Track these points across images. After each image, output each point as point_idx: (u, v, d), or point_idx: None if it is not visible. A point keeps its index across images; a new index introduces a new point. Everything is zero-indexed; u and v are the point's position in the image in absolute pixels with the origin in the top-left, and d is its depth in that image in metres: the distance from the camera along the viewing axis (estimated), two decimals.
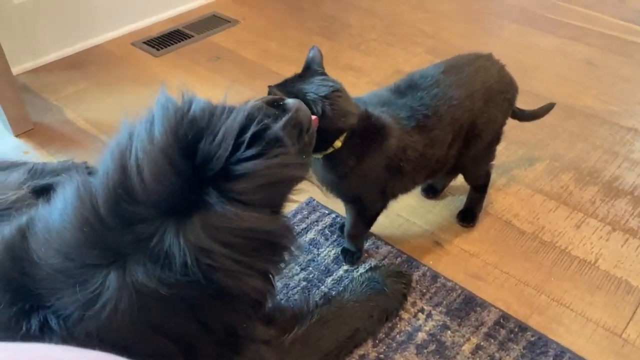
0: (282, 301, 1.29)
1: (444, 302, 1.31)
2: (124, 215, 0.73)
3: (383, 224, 1.53)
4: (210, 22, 2.57)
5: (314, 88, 1.07)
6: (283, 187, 0.86)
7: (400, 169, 1.20)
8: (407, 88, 1.24)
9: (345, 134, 1.12)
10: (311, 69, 1.14)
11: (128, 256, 0.72)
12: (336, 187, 1.23)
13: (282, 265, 0.86)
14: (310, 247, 1.44)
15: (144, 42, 2.40)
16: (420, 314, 1.28)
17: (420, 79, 1.25)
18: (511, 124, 1.44)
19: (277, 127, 0.83)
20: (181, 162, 0.75)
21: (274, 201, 0.84)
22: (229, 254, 0.74)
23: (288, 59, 2.30)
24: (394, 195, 1.31)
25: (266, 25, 2.57)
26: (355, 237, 1.38)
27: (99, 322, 0.70)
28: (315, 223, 1.51)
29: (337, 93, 1.08)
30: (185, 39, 2.44)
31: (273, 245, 0.81)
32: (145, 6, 2.51)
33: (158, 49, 2.35)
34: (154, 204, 0.73)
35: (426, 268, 1.40)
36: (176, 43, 2.40)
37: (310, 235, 1.47)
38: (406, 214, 1.57)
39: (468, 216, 1.53)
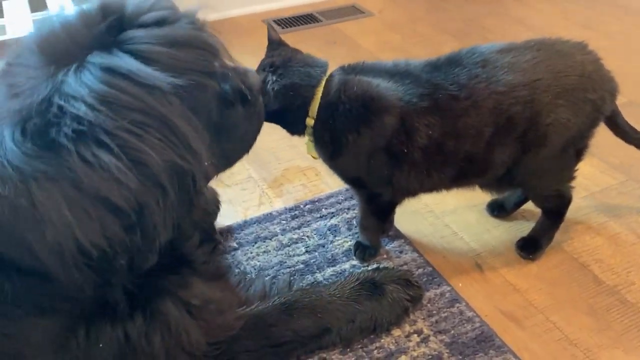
0: (267, 277, 1.15)
1: (452, 332, 1.05)
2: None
3: (424, 230, 1.31)
4: (345, 12, 2.52)
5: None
6: (191, 52, 0.71)
7: (406, 157, 0.99)
8: (446, 62, 1.02)
9: (315, 109, 0.99)
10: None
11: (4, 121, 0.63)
12: (332, 168, 1.08)
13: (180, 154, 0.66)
14: (328, 232, 1.28)
15: (274, 20, 2.43)
16: (415, 335, 1.05)
17: (467, 54, 1.02)
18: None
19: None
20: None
21: (178, 66, 0.68)
22: (93, 103, 0.60)
23: (405, 52, 2.14)
24: (408, 190, 1.09)
25: (399, 20, 2.43)
26: (367, 229, 1.18)
27: None
28: (346, 210, 1.34)
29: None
30: (314, 22, 2.42)
31: (158, 120, 0.63)
32: None
33: (283, 28, 2.36)
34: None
35: (448, 288, 1.14)
36: (303, 24, 2.39)
37: (334, 221, 1.31)
38: (457, 226, 1.32)
39: (529, 245, 1.22)
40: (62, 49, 0.66)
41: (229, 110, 0.79)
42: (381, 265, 1.18)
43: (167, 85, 0.64)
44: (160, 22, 0.70)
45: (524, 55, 1.00)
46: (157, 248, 0.67)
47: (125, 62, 0.64)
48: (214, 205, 1.18)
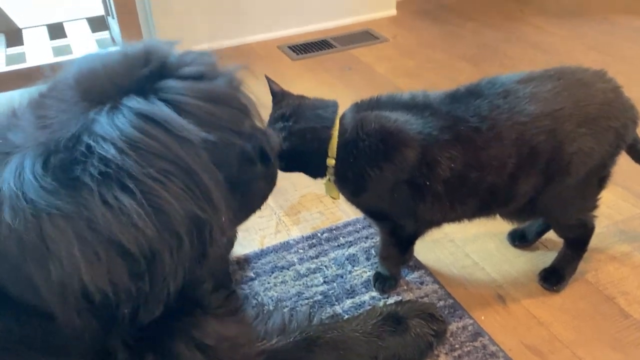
0: (285, 309, 1.13)
1: None
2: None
3: (445, 260, 1.28)
4: (359, 37, 2.54)
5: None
6: (226, 110, 0.70)
7: (429, 190, 0.98)
8: (466, 94, 1.01)
9: (334, 149, 0.98)
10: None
11: (20, 148, 0.61)
12: (355, 204, 1.07)
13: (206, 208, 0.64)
14: (346, 262, 1.26)
15: (288, 46, 2.45)
16: None
17: (487, 85, 1.01)
18: None
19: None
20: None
21: (212, 122, 0.67)
22: (123, 146, 0.58)
23: (420, 78, 2.14)
24: (431, 222, 1.07)
25: (413, 45, 2.44)
26: (387, 260, 1.16)
27: None
28: (364, 239, 1.32)
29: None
30: (328, 48, 2.43)
31: (184, 171, 0.62)
32: (302, 16, 2.57)
33: (298, 54, 2.38)
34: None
35: (471, 321, 1.12)
36: (317, 50, 2.41)
37: (352, 250, 1.29)
38: (477, 257, 1.29)
39: (553, 276, 1.19)
40: (99, 87, 0.65)
41: (249, 168, 0.78)
42: (403, 298, 1.15)
43: (198, 138, 0.63)
44: (199, 77, 0.69)
45: (545, 85, 0.99)
46: (164, 299, 0.64)
47: (160, 110, 0.63)
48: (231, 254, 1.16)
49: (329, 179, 1.04)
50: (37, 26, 2.15)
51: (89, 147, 0.58)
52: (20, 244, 0.57)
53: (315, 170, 1.05)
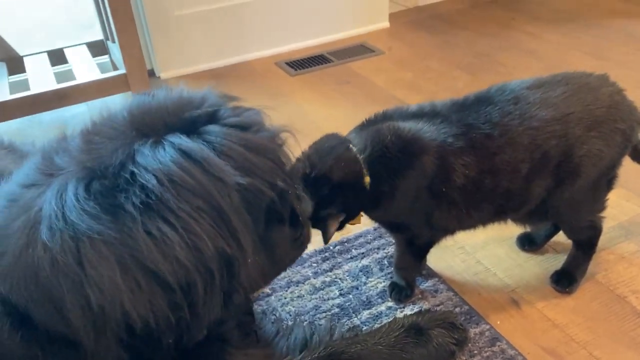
0: (305, 323, 1.14)
1: None
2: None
3: (457, 268, 1.30)
4: (355, 51, 2.57)
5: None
6: (263, 159, 0.71)
7: (446, 196, 1.00)
8: (475, 101, 1.03)
9: (365, 167, 0.98)
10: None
11: (65, 171, 0.63)
12: (377, 219, 1.08)
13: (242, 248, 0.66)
14: (360, 273, 1.28)
15: (286, 63, 2.48)
16: None
17: (497, 92, 1.04)
18: None
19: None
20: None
21: (247, 168, 0.69)
22: (163, 178, 0.60)
23: (418, 89, 2.17)
24: (446, 229, 1.09)
25: (410, 57, 2.47)
26: (403, 269, 1.18)
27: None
28: (376, 250, 1.34)
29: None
30: (325, 63, 2.46)
31: (216, 211, 0.64)
32: (297, 32, 2.60)
33: (295, 69, 2.40)
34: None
35: (487, 327, 1.13)
36: (315, 66, 2.44)
37: (365, 261, 1.31)
38: (488, 262, 1.31)
39: (564, 279, 1.21)
40: (149, 122, 0.67)
41: (278, 227, 0.79)
42: (419, 307, 1.17)
43: (232, 181, 0.65)
44: (244, 127, 0.71)
45: (554, 91, 1.02)
46: (205, 327, 0.67)
47: (199, 148, 0.65)
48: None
49: None
50: (38, 53, 2.17)
51: (132, 174, 0.59)
52: (54, 265, 0.57)
53: (356, 198, 1.01)
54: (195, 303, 0.62)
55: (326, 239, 1.02)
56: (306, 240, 0.89)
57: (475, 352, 1.08)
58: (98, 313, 0.57)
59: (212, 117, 0.70)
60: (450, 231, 1.11)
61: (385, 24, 2.80)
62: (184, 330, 0.63)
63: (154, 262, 0.58)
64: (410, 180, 0.99)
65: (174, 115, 0.68)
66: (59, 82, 1.90)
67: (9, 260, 0.59)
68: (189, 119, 0.68)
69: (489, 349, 1.08)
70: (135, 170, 0.60)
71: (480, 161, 0.98)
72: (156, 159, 0.61)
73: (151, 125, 0.66)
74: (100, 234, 0.57)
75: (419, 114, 1.04)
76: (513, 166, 1.00)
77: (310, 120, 2.00)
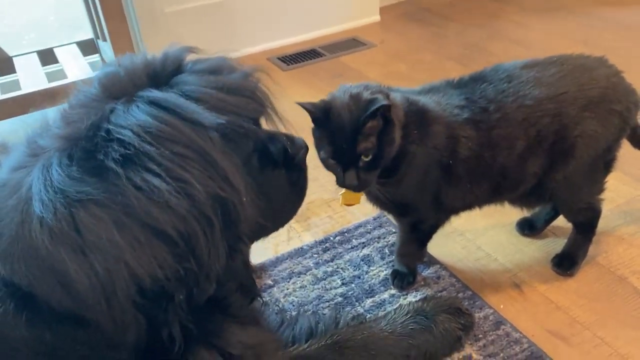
0: (309, 313, 1.14)
1: (501, 355, 1.04)
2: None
3: (458, 254, 1.30)
4: (347, 45, 2.57)
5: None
6: (239, 98, 0.70)
7: (452, 169, 1.01)
8: (471, 80, 1.05)
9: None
10: None
11: (48, 149, 0.62)
12: (386, 197, 1.05)
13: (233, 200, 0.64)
14: (362, 262, 1.27)
15: (278, 58, 2.47)
16: None
17: (492, 71, 1.05)
18: None
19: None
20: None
21: (225, 108, 0.68)
22: (138, 130, 0.59)
23: (412, 80, 2.17)
24: (452, 208, 1.10)
25: (402, 50, 2.48)
26: (406, 256, 1.18)
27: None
28: (377, 240, 1.34)
29: None
30: (317, 57, 2.46)
31: (200, 154, 0.62)
32: (289, 27, 2.60)
33: (288, 64, 2.40)
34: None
35: (491, 311, 1.13)
36: (307, 60, 2.43)
37: (366, 251, 1.31)
38: (489, 248, 1.32)
39: (565, 261, 1.22)
40: (119, 85, 0.67)
41: (273, 171, 0.79)
42: (422, 294, 1.17)
43: (210, 122, 0.64)
44: (215, 71, 0.71)
45: (548, 70, 1.02)
46: (214, 278, 0.65)
47: (171, 96, 0.65)
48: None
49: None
50: (28, 53, 2.15)
51: (107, 131, 0.59)
52: (52, 237, 0.55)
53: (389, 142, 0.96)
54: (200, 253, 0.61)
55: (362, 183, 0.96)
56: (304, 184, 0.87)
57: (480, 336, 1.08)
58: (104, 277, 0.55)
59: (180, 68, 0.70)
60: (455, 210, 1.11)
61: (376, 17, 2.80)
62: (193, 284, 0.62)
63: (149, 215, 0.57)
64: (425, 148, 0.99)
65: (141, 75, 0.68)
66: (50, 81, 1.88)
67: (7, 241, 0.58)
68: (157, 75, 0.68)
69: (494, 332, 1.09)
70: (111, 127, 0.59)
71: (480, 135, 0.99)
72: (130, 115, 0.61)
73: (122, 88, 0.66)
74: (89, 195, 0.56)
75: (421, 91, 1.06)
76: (509, 142, 1.01)
77: (303, 114, 1.98)
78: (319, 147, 0.98)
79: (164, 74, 0.69)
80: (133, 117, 0.61)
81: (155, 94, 0.64)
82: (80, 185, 0.56)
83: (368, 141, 0.92)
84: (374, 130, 0.92)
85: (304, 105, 0.96)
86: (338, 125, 0.93)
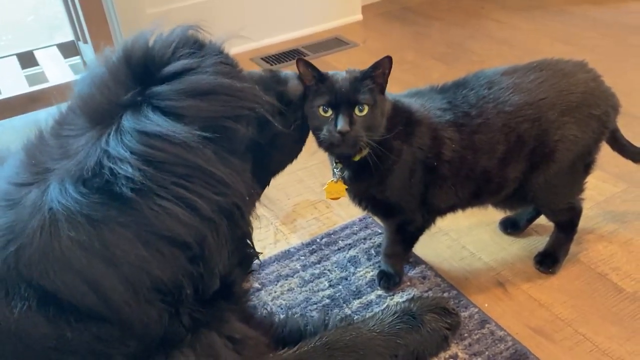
0: (297, 315, 1.15)
1: (486, 353, 1.06)
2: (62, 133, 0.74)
3: (443, 254, 1.32)
4: (330, 44, 2.58)
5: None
6: (214, 101, 0.75)
7: (437, 170, 1.02)
8: (454, 86, 1.07)
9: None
10: None
11: (53, 172, 0.69)
12: (371, 198, 1.08)
13: (218, 203, 0.71)
14: (348, 264, 1.29)
15: (261, 58, 2.47)
16: None
17: (474, 77, 1.07)
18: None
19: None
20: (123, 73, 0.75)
21: (204, 116, 0.73)
22: (137, 164, 0.67)
23: (395, 80, 2.15)
24: (437, 209, 1.12)
25: (385, 48, 2.49)
26: (392, 257, 1.20)
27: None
28: (363, 241, 1.35)
29: None
30: (300, 57, 2.46)
31: (196, 170, 0.70)
32: (272, 27, 2.60)
33: (272, 64, 2.40)
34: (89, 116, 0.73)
35: (476, 310, 1.16)
36: (290, 60, 2.44)
37: (353, 252, 1.32)
38: (474, 247, 1.34)
39: (547, 260, 1.25)
40: (100, 110, 0.73)
41: (267, 127, 0.84)
42: (408, 294, 1.19)
43: (195, 140, 0.70)
44: (183, 72, 0.74)
45: (527, 76, 1.04)
46: (218, 275, 0.75)
47: (155, 122, 0.70)
48: None
49: (337, 179, 1.05)
50: (7, 56, 2.12)
51: (111, 170, 0.66)
52: (85, 253, 0.65)
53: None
54: (209, 252, 0.72)
55: (352, 133, 0.95)
56: (301, 119, 0.96)
57: (466, 334, 1.10)
58: (135, 285, 0.66)
59: (147, 71, 0.74)
60: (441, 211, 1.13)
61: (359, 16, 2.81)
62: (203, 279, 0.72)
63: (167, 230, 0.67)
64: (409, 147, 1.01)
65: (116, 91, 0.73)
66: (31, 85, 1.86)
67: (37, 253, 0.65)
68: (130, 90, 0.72)
69: (479, 331, 1.11)
70: (112, 165, 0.66)
71: (464, 137, 1.02)
72: (124, 148, 0.68)
73: (103, 112, 0.72)
74: (114, 218, 0.66)
75: (406, 94, 1.08)
76: (490, 146, 1.03)
77: None
78: (312, 99, 0.96)
79: (135, 84, 0.73)
80: (128, 151, 0.68)
81: (140, 123, 0.70)
82: (103, 209, 0.66)
83: (367, 94, 0.95)
84: (373, 88, 0.96)
85: (310, 65, 0.97)
86: (340, 79, 0.97)
